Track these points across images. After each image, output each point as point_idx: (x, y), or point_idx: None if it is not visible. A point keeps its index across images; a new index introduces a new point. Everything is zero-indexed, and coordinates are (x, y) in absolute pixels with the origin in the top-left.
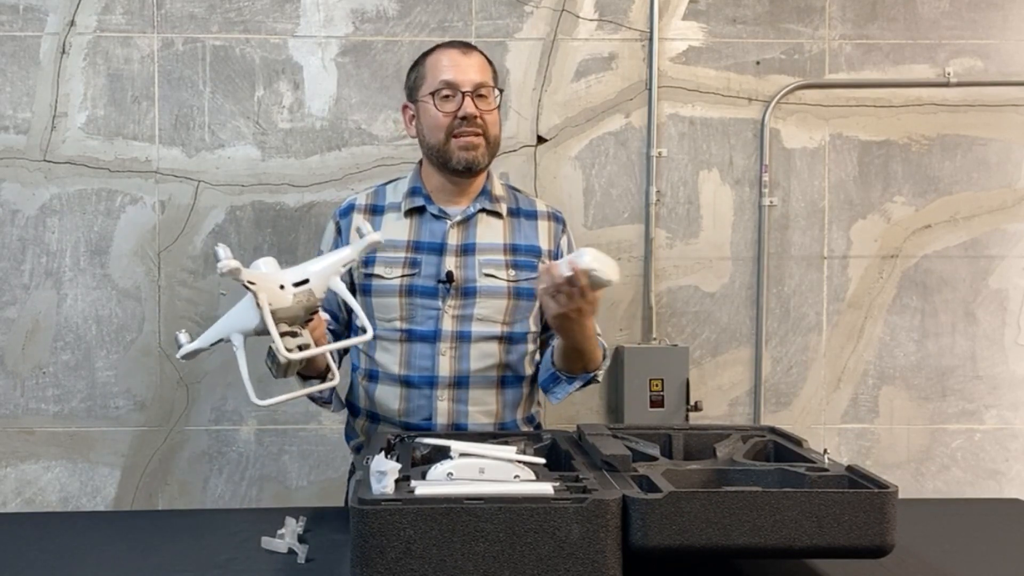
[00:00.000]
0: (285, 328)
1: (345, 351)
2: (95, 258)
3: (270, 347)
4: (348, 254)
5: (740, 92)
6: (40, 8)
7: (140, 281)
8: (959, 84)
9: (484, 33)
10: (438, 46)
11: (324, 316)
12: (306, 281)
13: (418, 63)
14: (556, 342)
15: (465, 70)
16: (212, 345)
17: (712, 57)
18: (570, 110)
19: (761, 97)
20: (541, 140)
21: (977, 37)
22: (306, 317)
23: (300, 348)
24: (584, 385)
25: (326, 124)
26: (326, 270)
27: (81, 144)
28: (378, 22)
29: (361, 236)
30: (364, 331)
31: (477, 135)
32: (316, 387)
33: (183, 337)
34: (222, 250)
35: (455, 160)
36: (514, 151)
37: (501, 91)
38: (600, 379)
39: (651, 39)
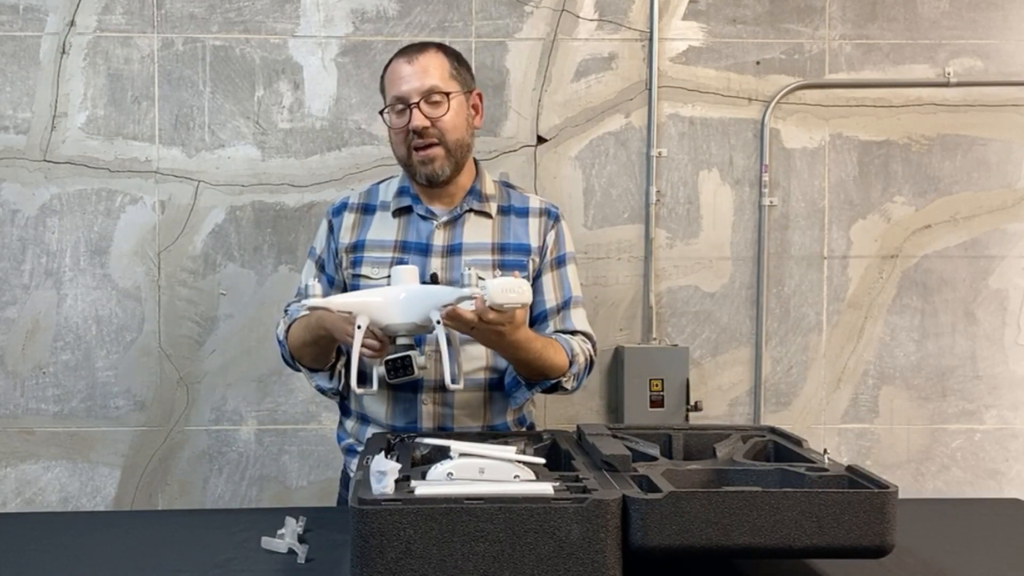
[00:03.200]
0: (409, 340)
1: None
2: (95, 258)
3: (400, 358)
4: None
5: (740, 92)
6: (40, 8)
7: (140, 281)
8: (959, 84)
9: (484, 33)
10: (395, 54)
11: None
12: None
13: (382, 73)
14: None
15: (409, 79)
16: (339, 312)
17: (712, 57)
18: (570, 110)
19: (761, 97)
20: (541, 140)
21: (977, 37)
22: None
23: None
24: (549, 391)
25: (326, 124)
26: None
27: (81, 144)
28: (378, 22)
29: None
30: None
31: (433, 146)
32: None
33: (315, 287)
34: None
35: (417, 175)
36: (514, 151)
37: (448, 94)
38: (570, 388)
39: (651, 39)
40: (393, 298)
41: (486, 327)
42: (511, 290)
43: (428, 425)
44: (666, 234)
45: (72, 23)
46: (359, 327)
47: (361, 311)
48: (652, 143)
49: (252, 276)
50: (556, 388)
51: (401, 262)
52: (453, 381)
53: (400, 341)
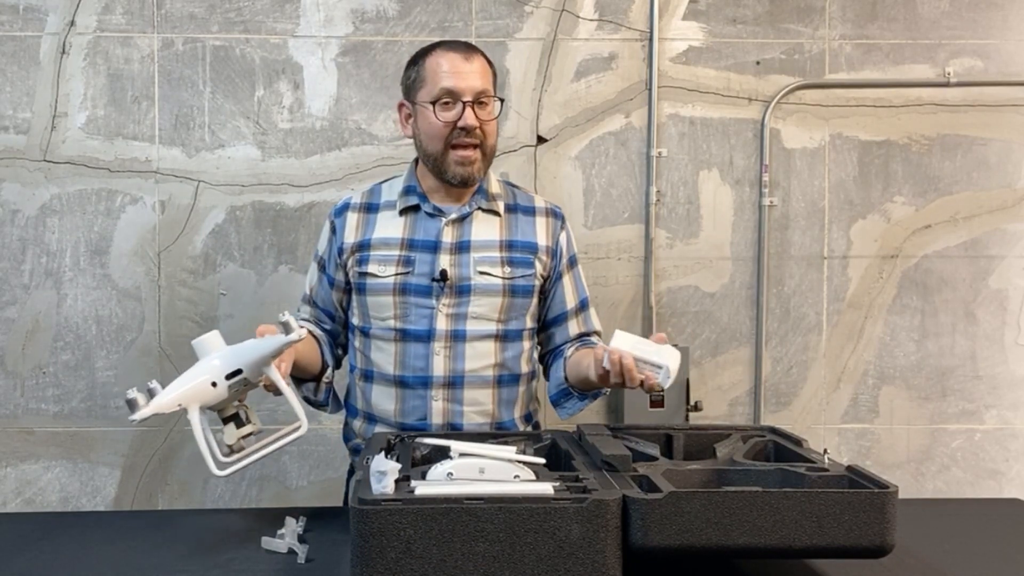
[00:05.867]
0: (231, 412)
1: (322, 371)
2: (95, 258)
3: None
4: (275, 346)
5: (740, 92)
6: (40, 8)
7: (140, 281)
8: (959, 84)
9: (484, 33)
10: (439, 45)
11: (309, 327)
12: (239, 371)
13: (417, 62)
14: (574, 365)
15: (466, 77)
16: (172, 412)
17: (712, 57)
18: (570, 110)
19: (761, 97)
20: (541, 140)
21: (977, 37)
22: (248, 390)
23: (246, 437)
24: (594, 398)
25: (326, 124)
26: (259, 361)
27: (81, 144)
28: (378, 22)
29: (287, 332)
30: (299, 426)
31: (475, 147)
32: (278, 444)
33: (141, 399)
34: (139, 396)
35: (450, 173)
36: (514, 151)
37: (502, 100)
38: (607, 392)
39: (651, 39)
40: (205, 378)
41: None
42: (675, 371)
43: (438, 422)
44: (666, 234)
45: (72, 23)
46: (192, 422)
47: (191, 401)
48: (652, 143)
49: (252, 276)
50: (599, 395)
51: (408, 260)
52: (219, 467)
53: (228, 413)
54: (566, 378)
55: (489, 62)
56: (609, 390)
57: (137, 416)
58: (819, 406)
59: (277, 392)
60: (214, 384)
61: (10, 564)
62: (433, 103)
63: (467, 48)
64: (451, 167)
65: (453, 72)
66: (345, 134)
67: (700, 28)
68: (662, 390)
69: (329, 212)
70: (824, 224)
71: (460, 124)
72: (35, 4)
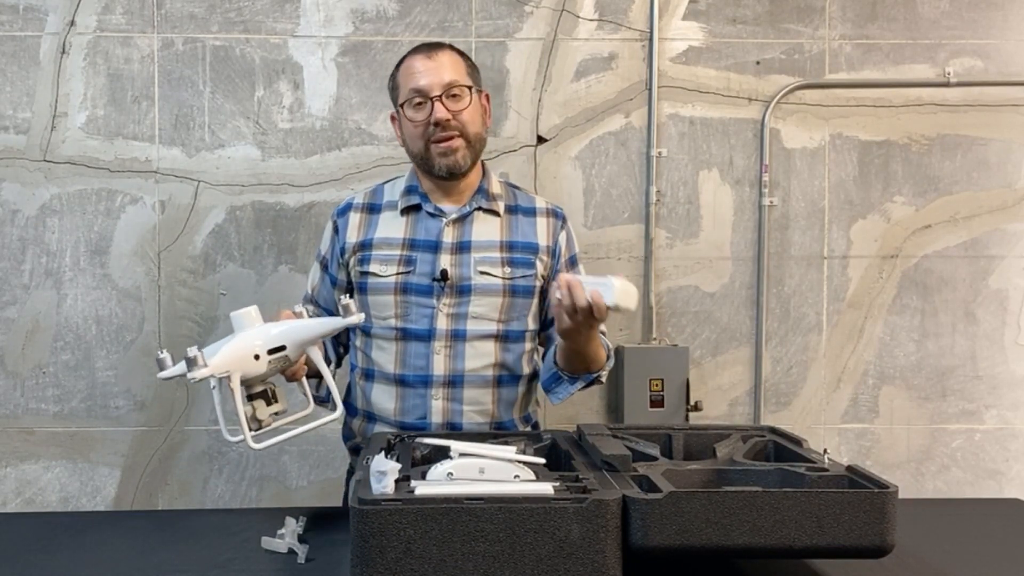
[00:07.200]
0: (259, 388)
1: (338, 362)
2: (95, 258)
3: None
4: (330, 328)
5: (740, 92)
6: (40, 8)
7: (140, 281)
8: (959, 84)
9: (484, 33)
10: (408, 53)
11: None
12: (283, 348)
13: (394, 73)
14: (559, 343)
15: (431, 73)
16: (220, 376)
17: (712, 57)
18: (570, 110)
19: (761, 97)
20: (541, 140)
21: (977, 37)
22: (283, 369)
23: (276, 414)
24: (587, 386)
25: (326, 124)
26: (306, 341)
27: (81, 144)
28: (378, 22)
29: (346, 315)
30: (335, 408)
31: (454, 137)
32: (313, 425)
33: (200, 357)
34: (198, 355)
35: (436, 167)
36: (514, 151)
37: (470, 87)
38: (604, 380)
39: (651, 39)
40: (250, 349)
41: (588, 319)
42: (631, 295)
43: (438, 421)
44: (666, 234)
45: (72, 23)
46: (234, 389)
47: (235, 369)
48: (652, 143)
49: (252, 276)
50: (593, 382)
51: (410, 260)
52: (255, 440)
53: (256, 390)
54: (556, 362)
55: (461, 53)
56: (603, 375)
57: (197, 375)
58: (819, 406)
59: (292, 378)
60: (257, 357)
61: (10, 564)
62: (405, 106)
63: (431, 46)
64: (435, 160)
65: (418, 72)
66: (345, 134)
67: (700, 28)
68: (617, 311)
69: (332, 212)
70: (824, 224)
71: (432, 120)
72: (35, 4)
